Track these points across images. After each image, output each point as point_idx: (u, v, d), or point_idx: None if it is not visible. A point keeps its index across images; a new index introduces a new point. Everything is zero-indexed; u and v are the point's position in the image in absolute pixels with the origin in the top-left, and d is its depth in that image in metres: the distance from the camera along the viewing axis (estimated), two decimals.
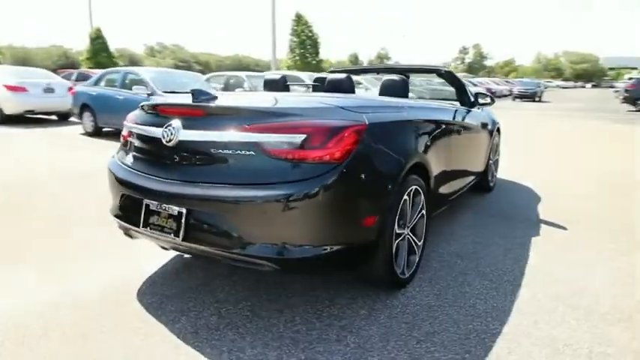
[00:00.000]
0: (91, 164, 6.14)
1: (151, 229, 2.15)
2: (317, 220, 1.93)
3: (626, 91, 19.39)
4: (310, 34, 31.87)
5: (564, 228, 3.67)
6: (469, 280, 2.68)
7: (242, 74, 11.15)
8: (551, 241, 3.37)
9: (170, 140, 2.10)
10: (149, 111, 2.37)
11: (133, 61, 62.55)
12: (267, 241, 1.93)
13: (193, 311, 2.30)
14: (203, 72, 29.58)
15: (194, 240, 2.03)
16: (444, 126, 3.09)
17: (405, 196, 2.37)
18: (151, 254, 3.00)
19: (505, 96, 33.36)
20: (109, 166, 2.53)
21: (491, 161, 4.65)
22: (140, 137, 2.34)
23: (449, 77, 3.97)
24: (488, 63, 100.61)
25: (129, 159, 2.40)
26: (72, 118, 10.64)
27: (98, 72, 10.64)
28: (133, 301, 2.42)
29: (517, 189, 5.08)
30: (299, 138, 1.90)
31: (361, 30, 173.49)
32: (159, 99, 2.61)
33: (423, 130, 2.72)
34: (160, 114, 2.29)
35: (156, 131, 2.20)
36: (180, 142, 2.09)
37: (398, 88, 3.21)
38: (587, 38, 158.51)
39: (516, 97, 30.46)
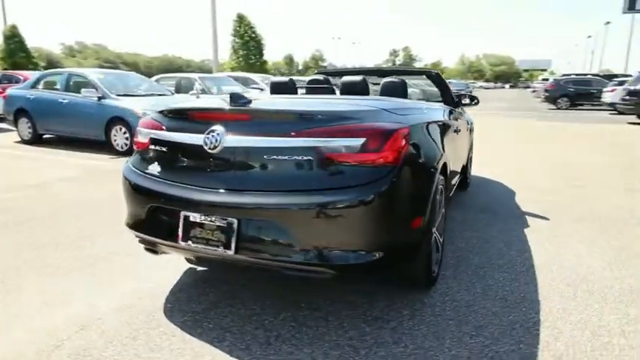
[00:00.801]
0: (41, 177, 5.60)
1: (193, 242, 2.01)
2: (375, 224, 1.91)
3: (546, 91, 21.24)
4: (254, 35, 31.37)
5: (546, 218, 3.95)
6: (489, 273, 2.80)
7: (194, 76, 10.72)
8: (541, 231, 3.62)
9: (215, 147, 1.97)
10: (178, 116, 2.21)
11: (51, 62, 57.67)
12: (326, 247, 1.88)
13: (234, 326, 2.18)
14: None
15: (246, 252, 1.93)
16: (449, 126, 3.21)
17: (438, 195, 2.43)
18: (154, 267, 2.82)
19: None
20: (125, 175, 2.33)
21: (470, 158, 4.91)
22: (171, 144, 2.17)
23: (437, 79, 4.12)
24: (417, 65, 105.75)
25: (154, 168, 2.22)
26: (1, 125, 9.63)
27: (32, 74, 9.69)
28: (162, 320, 2.24)
29: (488, 183, 5.40)
30: (358, 141, 1.88)
31: (295, 32, 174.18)
32: (187, 103, 2.42)
33: (440, 130, 2.81)
34: (196, 119, 2.14)
35: (193, 138, 2.05)
36: (226, 149, 1.97)
37: (398, 90, 3.26)
38: (504, 41, 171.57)
39: None
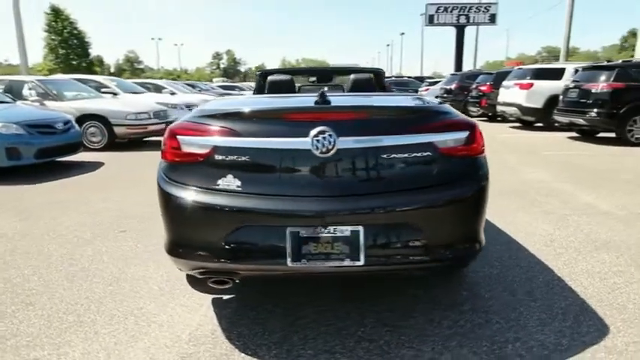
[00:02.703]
0: None
1: (308, 260, 1.78)
2: (483, 214, 2.02)
3: None
4: (76, 32, 26.56)
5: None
6: (518, 254, 3.07)
7: (30, 78, 8.70)
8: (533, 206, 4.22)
9: (328, 150, 1.78)
10: (260, 119, 1.90)
11: None
12: (449, 241, 1.91)
13: (329, 342, 2.01)
14: None
15: (376, 260, 1.81)
16: None
17: None
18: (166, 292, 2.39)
19: None
20: (178, 195, 1.90)
21: None
22: (258, 152, 1.85)
23: (381, 78, 4.36)
24: (242, 68, 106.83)
25: (229, 181, 1.85)
26: None
27: None
28: (233, 350, 1.94)
29: None
30: (463, 134, 1.95)
31: (107, 30, 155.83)
32: (260, 104, 2.05)
33: None
34: (290, 121, 1.88)
35: (295, 142, 1.81)
36: (341, 151, 1.79)
37: (371, 84, 3.39)
38: (319, 47, 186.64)
39: None
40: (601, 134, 9.23)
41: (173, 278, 2.73)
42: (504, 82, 11.53)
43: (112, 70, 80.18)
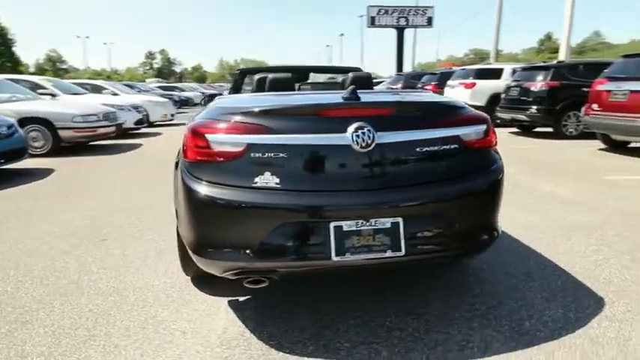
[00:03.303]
0: None
1: (352, 254, 1.81)
2: (500, 201, 2.16)
3: None
4: None
5: None
6: (506, 240, 3.25)
7: None
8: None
9: (368, 145, 1.81)
10: (295, 116, 1.89)
11: None
12: (477, 229, 2.02)
13: (361, 334, 2.06)
14: None
15: (416, 250, 1.88)
16: None
17: None
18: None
19: None
20: (215, 196, 1.86)
21: None
22: (295, 148, 1.85)
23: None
24: (177, 69, 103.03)
25: (267, 179, 1.82)
26: None
27: None
28: (269, 349, 1.94)
29: None
30: (482, 128, 2.08)
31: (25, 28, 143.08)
32: (292, 100, 2.08)
33: None
34: (326, 117, 1.90)
35: (334, 138, 1.84)
36: (380, 146, 1.84)
37: (367, 83, 3.47)
38: (257, 47, 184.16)
39: None
40: (538, 129, 10.06)
41: (178, 284, 2.63)
42: (449, 82, 12.17)
43: (32, 70, 73.94)
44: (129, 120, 10.08)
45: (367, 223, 1.83)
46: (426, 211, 1.92)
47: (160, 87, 26.26)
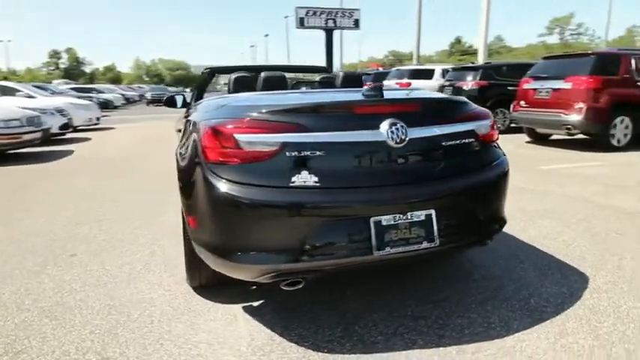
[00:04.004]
0: None
1: (391, 248, 1.85)
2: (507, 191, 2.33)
3: None
4: None
5: None
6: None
7: None
8: None
9: (402, 141, 1.86)
10: (327, 113, 1.88)
11: None
12: (493, 217, 2.16)
13: (389, 326, 2.12)
14: None
15: (447, 239, 1.96)
16: None
17: None
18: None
19: (136, 101, 33.62)
20: (254, 199, 1.79)
21: None
22: (330, 146, 1.84)
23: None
24: (87, 69, 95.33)
25: (304, 177, 1.79)
26: None
27: None
28: (306, 350, 1.92)
29: None
30: (489, 122, 2.22)
31: None
32: (318, 98, 2.15)
33: None
34: (358, 114, 1.92)
35: (368, 134, 1.87)
36: (412, 141, 1.90)
37: (359, 81, 3.53)
38: (176, 47, 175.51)
39: (150, 102, 31.30)
40: None
41: (180, 296, 2.49)
42: (385, 82, 12.66)
43: None
44: (54, 125, 9.18)
45: (404, 217, 1.88)
46: (454, 201, 2.02)
47: (73, 89, 24.11)
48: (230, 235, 1.87)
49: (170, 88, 48.85)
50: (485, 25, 16.03)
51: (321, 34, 25.23)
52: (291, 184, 1.80)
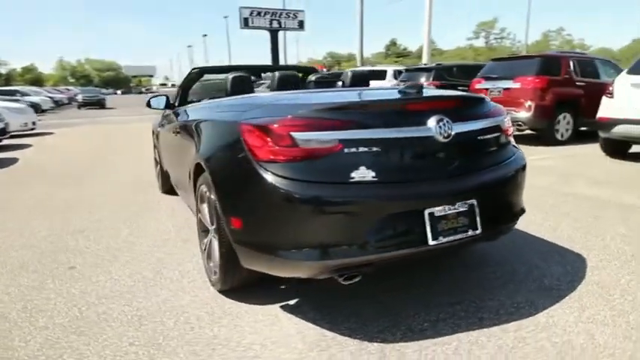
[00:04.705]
0: None
1: (444, 237, 1.95)
2: None
3: None
4: None
5: None
6: None
7: None
8: None
9: (449, 135, 1.98)
10: (380, 110, 1.95)
11: None
12: (519, 204, 2.35)
13: (430, 314, 2.23)
14: None
15: (487, 227, 2.09)
16: None
17: None
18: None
19: (66, 104, 31.35)
20: (323, 196, 1.85)
21: None
22: (385, 141, 1.91)
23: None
24: (2, 69, 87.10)
25: (364, 173, 1.84)
26: None
27: None
28: (361, 342, 1.99)
29: None
30: (506, 117, 2.40)
31: None
32: (369, 96, 2.24)
33: None
34: (407, 111, 2.01)
35: (419, 130, 1.97)
36: (456, 136, 2.02)
37: (367, 79, 3.64)
38: (107, 48, 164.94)
39: (82, 105, 29.40)
40: None
41: (209, 300, 2.43)
42: (338, 83, 12.87)
43: None
44: None
45: (452, 207, 1.99)
46: (492, 191, 2.17)
47: None
48: (289, 233, 1.88)
49: (104, 90, 45.99)
50: (428, 27, 16.85)
51: (263, 35, 25.15)
52: (351, 180, 1.85)
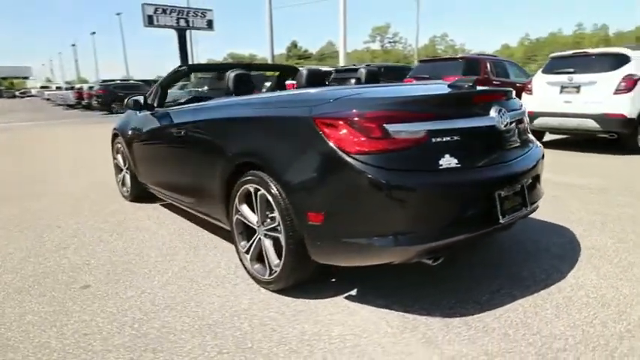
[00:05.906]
0: None
1: (508, 215, 2.19)
2: None
3: (99, 97, 21.30)
4: None
5: None
6: None
7: None
8: None
9: (507, 124, 2.24)
10: (454, 102, 2.19)
11: None
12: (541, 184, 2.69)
13: (461, 299, 2.46)
14: None
15: (532, 205, 2.41)
16: None
17: None
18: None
19: None
20: (422, 183, 1.98)
21: None
22: (461, 131, 2.09)
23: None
24: None
25: (448, 160, 2.00)
26: None
27: None
28: (416, 319, 2.16)
29: None
30: (525, 107, 2.74)
31: None
32: (438, 89, 2.40)
33: None
34: (474, 103, 2.24)
35: (485, 120, 2.20)
36: (509, 124, 2.28)
37: (378, 76, 3.81)
38: None
39: None
40: None
41: (271, 301, 2.39)
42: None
43: None
44: None
45: (512, 189, 2.24)
46: (532, 173, 2.45)
47: None
48: (385, 221, 1.95)
49: None
50: (343, 31, 17.53)
51: (166, 34, 23.80)
52: (440, 167, 2.00)
